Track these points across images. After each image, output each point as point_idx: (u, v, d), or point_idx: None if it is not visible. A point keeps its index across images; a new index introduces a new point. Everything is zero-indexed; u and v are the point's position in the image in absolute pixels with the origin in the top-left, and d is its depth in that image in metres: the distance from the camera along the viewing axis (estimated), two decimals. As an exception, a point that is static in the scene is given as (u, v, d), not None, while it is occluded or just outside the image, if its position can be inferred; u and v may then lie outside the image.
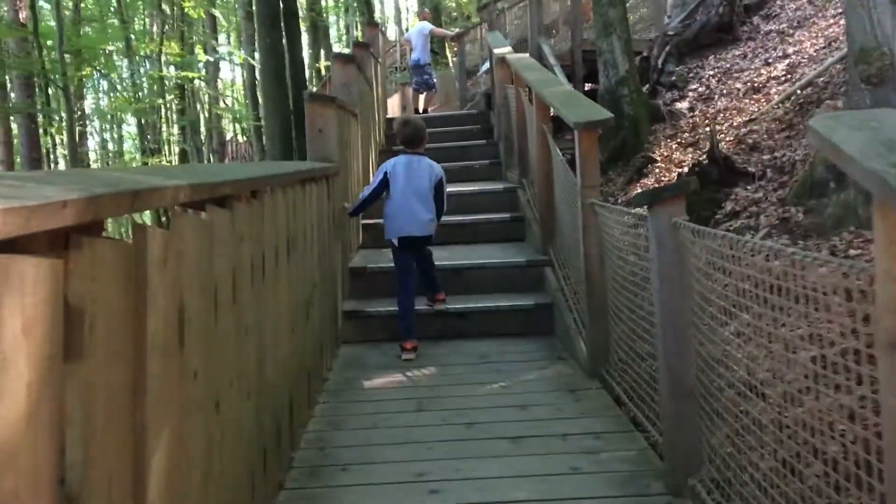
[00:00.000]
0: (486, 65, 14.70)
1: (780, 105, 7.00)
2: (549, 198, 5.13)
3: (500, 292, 4.97)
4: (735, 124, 7.16)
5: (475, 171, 8.09)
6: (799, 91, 7.02)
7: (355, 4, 30.96)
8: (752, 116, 7.10)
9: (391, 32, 40.78)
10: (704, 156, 6.73)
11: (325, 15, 38.03)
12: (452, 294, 4.92)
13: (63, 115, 16.88)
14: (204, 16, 22.04)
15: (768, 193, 5.39)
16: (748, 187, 5.60)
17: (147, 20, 23.31)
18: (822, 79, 7.03)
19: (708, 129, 7.40)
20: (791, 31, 8.84)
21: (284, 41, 10.08)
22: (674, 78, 9.45)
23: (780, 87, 7.50)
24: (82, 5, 28.51)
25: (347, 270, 4.99)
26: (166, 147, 21.53)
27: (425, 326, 4.64)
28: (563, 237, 4.69)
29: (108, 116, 33.77)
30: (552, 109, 4.74)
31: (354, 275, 5.07)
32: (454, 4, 33.89)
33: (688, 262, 2.44)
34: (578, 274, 4.05)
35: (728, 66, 9.00)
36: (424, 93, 11.66)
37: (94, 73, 28.94)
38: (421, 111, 11.64)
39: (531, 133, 5.93)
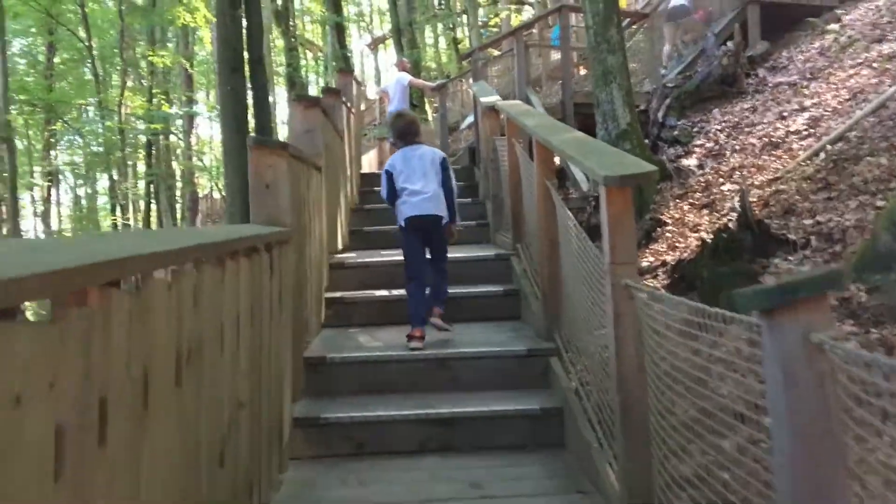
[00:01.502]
0: (470, 118, 13.89)
1: (809, 162, 6.14)
2: (554, 270, 4.15)
3: (495, 389, 3.94)
4: (757, 183, 6.28)
5: (460, 234, 7.13)
6: (829, 146, 6.18)
7: (335, 63, 30.42)
8: (777, 174, 6.23)
9: (371, 92, 40.49)
10: (726, 218, 5.83)
11: (303, 73, 37.62)
12: (436, 392, 3.90)
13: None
14: (171, 66, 21.23)
15: (816, 267, 4.46)
16: (789, 258, 4.67)
17: (115, 73, 22.43)
18: (853, 132, 6.20)
19: (724, 187, 6.52)
20: (805, 84, 8.07)
21: (250, 89, 9.18)
22: (676, 133, 8.62)
23: (804, 143, 6.66)
24: (56, 59, 27.78)
25: (301, 362, 3.95)
26: (131, 205, 20.45)
27: (401, 435, 3.60)
28: (576, 322, 3.69)
29: (84, 172, 32.80)
30: (564, 162, 3.80)
31: (311, 366, 4.02)
32: (434, 64, 33.51)
33: (836, 401, 1.45)
34: (603, 376, 3.05)
35: (737, 120, 8.19)
36: (403, 148, 10.77)
37: (67, 127, 28.07)
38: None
39: (529, 191, 4.99)
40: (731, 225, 5.12)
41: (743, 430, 1.89)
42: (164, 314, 1.66)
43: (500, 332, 4.63)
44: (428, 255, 4.72)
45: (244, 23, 9.25)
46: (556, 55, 15.94)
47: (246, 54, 9.19)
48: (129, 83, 23.11)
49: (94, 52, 22.47)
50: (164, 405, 1.65)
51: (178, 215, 26.26)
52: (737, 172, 6.75)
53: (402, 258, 4.73)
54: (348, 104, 7.97)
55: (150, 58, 17.28)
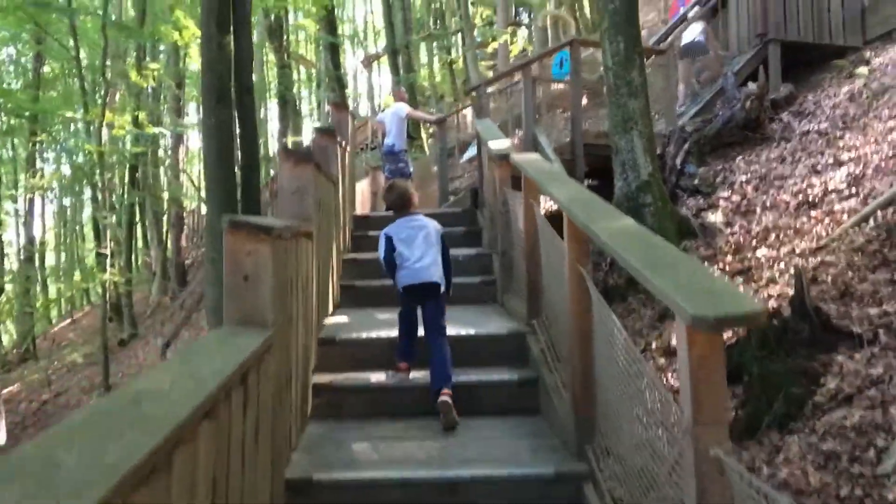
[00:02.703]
0: (471, 152, 13.28)
1: (857, 229, 5.51)
2: (587, 367, 3.47)
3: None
4: (798, 250, 5.63)
5: (461, 293, 6.45)
6: (880, 212, 5.55)
7: (327, 80, 29.88)
8: (821, 242, 5.59)
9: (363, 108, 39.80)
10: (766, 293, 5.18)
11: (296, 89, 37.05)
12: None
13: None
14: (159, 83, 20.54)
15: (892, 370, 3.80)
16: (856, 355, 4.01)
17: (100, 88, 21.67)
18: (906, 198, 5.57)
19: (759, 252, 5.87)
20: (839, 134, 7.46)
21: (237, 121, 8.50)
22: (697, 181, 7.99)
23: (846, 204, 6.03)
24: (45, 69, 27.02)
25: (282, 485, 3.23)
26: (113, 220, 19.66)
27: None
28: (620, 440, 3.02)
29: (69, 184, 32.01)
30: (623, 263, 3.16)
31: (295, 490, 3.31)
32: (427, 84, 32.98)
33: None
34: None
35: (764, 171, 7.57)
36: (399, 183, 10.10)
37: (51, 140, 27.31)
38: (394, 204, 10.08)
39: (549, 263, 4.33)
40: (781, 310, 4.45)
41: None
42: None
43: (517, 436, 3.93)
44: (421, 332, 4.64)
45: (232, 49, 8.56)
46: (555, 85, 15.40)
47: (234, 83, 8.51)
48: (117, 98, 22.39)
49: (84, 63, 21.77)
50: None
51: (164, 229, 25.51)
52: (772, 234, 6.10)
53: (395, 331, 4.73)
54: (343, 143, 7.30)
55: (133, 79, 16.53)
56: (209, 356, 2.19)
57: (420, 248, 4.59)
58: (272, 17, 26.18)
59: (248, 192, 8.03)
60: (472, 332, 4.93)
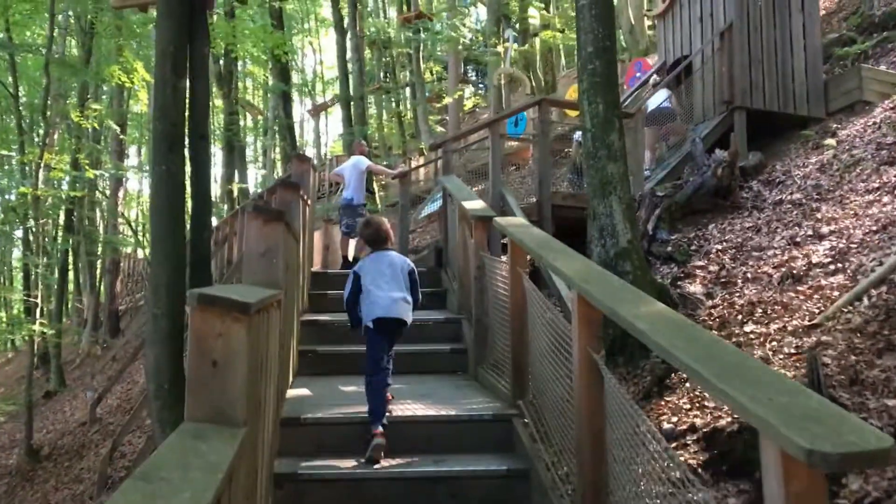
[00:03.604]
0: (431, 207, 12.94)
1: (851, 308, 5.26)
2: (598, 474, 3.05)
3: None
4: (790, 328, 5.36)
5: (430, 363, 6.02)
6: (874, 291, 5.32)
7: (276, 127, 29.43)
8: (813, 320, 5.32)
9: (309, 155, 39.36)
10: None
11: (242, 135, 36.48)
12: None
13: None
14: (102, 125, 19.79)
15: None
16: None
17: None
18: (898, 275, 5.36)
19: (747, 328, 5.58)
20: (814, 205, 7.32)
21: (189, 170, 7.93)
22: (670, 248, 7.75)
23: (833, 280, 5.80)
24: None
25: None
26: (44, 259, 18.63)
27: None
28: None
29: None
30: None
31: None
32: (377, 136, 32.81)
33: None
34: None
35: (739, 240, 7.37)
36: (356, 238, 9.65)
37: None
38: (350, 260, 9.63)
39: (544, 344, 3.92)
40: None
41: None
42: None
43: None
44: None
45: (188, 94, 8.02)
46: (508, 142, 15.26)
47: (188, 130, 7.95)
48: (56, 137, 21.51)
49: (22, 101, 20.90)
50: None
51: (99, 274, 24.41)
52: (758, 309, 5.83)
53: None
54: (305, 197, 6.85)
55: (75, 119, 15.81)
56: (174, 488, 1.70)
57: (389, 284, 4.60)
58: (222, 64, 25.76)
59: (198, 246, 7.46)
60: (451, 412, 4.47)
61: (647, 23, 23.47)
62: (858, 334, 4.86)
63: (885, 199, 6.71)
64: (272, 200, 7.09)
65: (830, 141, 8.75)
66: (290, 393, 5.04)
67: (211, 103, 31.51)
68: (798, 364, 4.82)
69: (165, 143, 7.45)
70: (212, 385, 2.44)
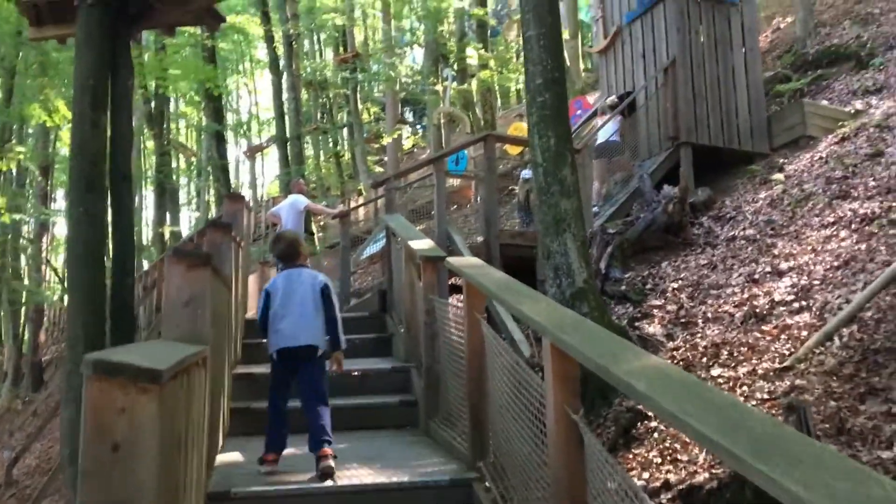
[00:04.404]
0: (373, 248, 12.47)
1: (823, 348, 4.99)
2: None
3: None
4: (760, 371, 5.06)
5: (376, 417, 5.52)
6: (845, 330, 5.07)
7: (209, 169, 28.70)
8: (784, 363, 5.03)
9: (244, 195, 38.51)
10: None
11: (174, 177, 35.54)
12: None
13: None
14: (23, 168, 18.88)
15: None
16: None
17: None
18: (869, 313, 5.13)
19: (714, 372, 5.26)
20: (769, 241, 7.13)
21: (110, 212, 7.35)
22: (624, 287, 7.46)
23: (800, 318, 5.56)
24: None
25: None
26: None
27: None
28: None
29: None
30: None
31: None
32: (314, 176, 32.27)
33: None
34: None
35: (695, 278, 7.12)
36: (294, 282, 9.12)
37: None
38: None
39: (508, 398, 3.49)
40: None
41: None
42: None
43: None
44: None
45: (109, 131, 7.47)
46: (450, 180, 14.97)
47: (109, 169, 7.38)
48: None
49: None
50: None
51: (21, 324, 23.10)
52: (723, 351, 5.53)
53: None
54: (238, 238, 6.33)
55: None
56: None
57: (297, 305, 4.37)
58: (153, 104, 25.04)
59: (119, 294, 6.85)
60: (403, 477, 3.98)
61: (583, 65, 23.72)
62: (835, 377, 4.58)
63: (843, 233, 6.55)
64: (203, 243, 6.56)
65: (778, 176, 8.65)
66: (221, 459, 4.48)
67: (142, 144, 30.75)
68: (774, 411, 4.50)
69: (83, 183, 6.86)
70: (112, 473, 1.94)
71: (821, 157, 8.60)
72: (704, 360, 5.53)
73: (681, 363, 5.61)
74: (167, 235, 25.47)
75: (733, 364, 5.30)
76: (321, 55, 36.31)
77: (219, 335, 4.27)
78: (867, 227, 6.42)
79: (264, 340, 5.32)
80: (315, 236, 19.85)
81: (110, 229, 7.37)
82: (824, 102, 10.20)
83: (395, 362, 6.45)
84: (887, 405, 4.03)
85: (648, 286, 7.33)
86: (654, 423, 5.00)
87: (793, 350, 5.14)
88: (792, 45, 13.43)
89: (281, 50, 22.34)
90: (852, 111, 9.61)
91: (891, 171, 7.31)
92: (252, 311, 9.96)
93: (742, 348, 5.45)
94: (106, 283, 7.15)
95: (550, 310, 3.00)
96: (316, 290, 4.46)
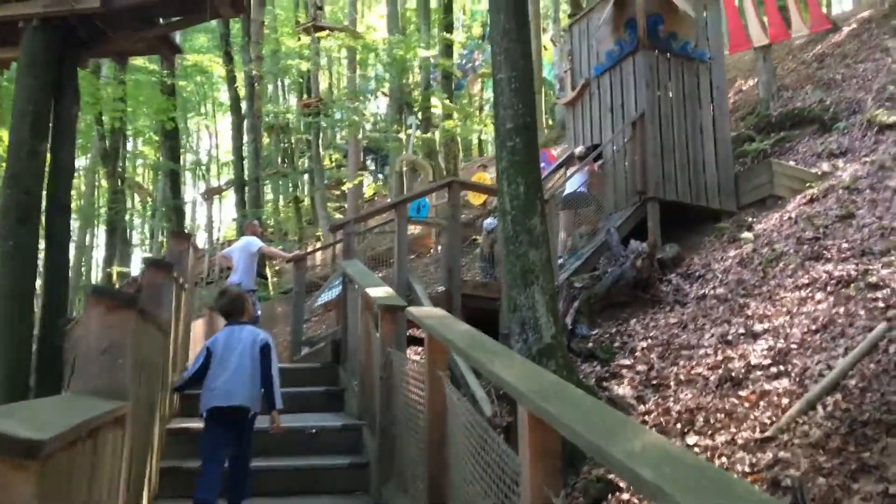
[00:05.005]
0: (328, 295, 11.98)
1: (806, 417, 4.67)
2: None
3: None
4: (739, 441, 4.71)
5: (324, 481, 5.04)
6: (828, 399, 4.76)
7: (164, 209, 28.03)
8: (765, 432, 4.69)
9: (200, 241, 37.68)
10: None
11: (128, 216, 34.75)
12: None
13: None
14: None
15: None
16: None
17: None
18: (853, 381, 4.84)
19: (690, 440, 4.90)
20: (741, 301, 6.86)
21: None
22: (591, 345, 7.11)
23: (778, 384, 5.24)
24: None
25: None
26: None
27: None
28: None
29: None
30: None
31: None
32: (272, 221, 31.73)
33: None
34: None
35: (665, 337, 6.80)
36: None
37: None
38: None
39: (472, 468, 3.07)
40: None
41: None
42: None
43: None
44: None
45: (49, 160, 7.03)
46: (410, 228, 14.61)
47: (46, 200, 6.96)
48: None
49: None
50: None
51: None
52: (698, 417, 5.17)
53: None
54: (181, 280, 5.85)
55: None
56: None
57: (235, 364, 4.34)
58: (107, 141, 24.45)
59: (49, 337, 6.30)
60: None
61: (546, 120, 23.82)
62: (821, 451, 4.25)
63: (819, 295, 6.30)
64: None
65: (747, 234, 8.46)
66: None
67: (96, 181, 29.96)
68: (758, 485, 4.14)
69: (16, 214, 6.38)
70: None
71: (790, 217, 8.44)
72: (679, 426, 5.17)
73: (654, 429, 5.23)
74: (115, 276, 24.71)
75: (710, 432, 4.95)
76: (285, 99, 36.11)
77: (147, 385, 3.79)
78: (844, 290, 6.19)
79: (197, 392, 4.88)
80: (269, 281, 19.28)
81: (42, 265, 6.87)
82: (792, 163, 10.12)
83: (346, 419, 5.99)
84: (883, 484, 3.69)
85: (617, 344, 7.00)
86: (626, 496, 4.60)
87: (773, 418, 4.81)
88: (755, 106, 13.49)
89: (243, 91, 22.02)
90: (819, 173, 9.53)
91: (863, 234, 7.14)
92: (193, 347, 9.37)
93: (719, 414, 5.11)
94: (34, 324, 6.62)
95: (528, 372, 2.61)
96: (255, 349, 4.44)
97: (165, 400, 5.15)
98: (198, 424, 5.49)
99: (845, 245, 7.04)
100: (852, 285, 6.19)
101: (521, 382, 2.47)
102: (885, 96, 11.00)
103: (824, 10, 19.01)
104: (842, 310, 5.87)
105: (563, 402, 2.21)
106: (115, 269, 25.24)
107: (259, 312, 9.16)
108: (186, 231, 23.13)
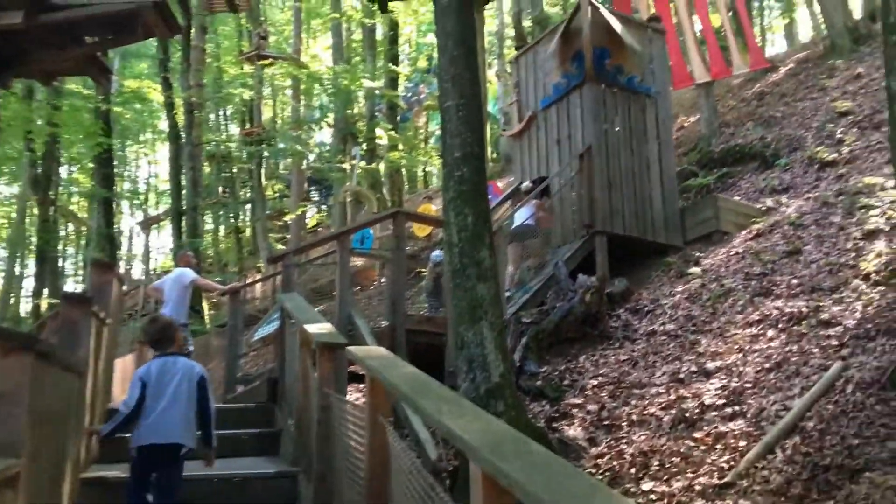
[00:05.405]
0: (267, 328, 11.50)
1: (766, 462, 4.48)
2: None
3: None
4: (697, 487, 4.48)
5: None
6: (787, 442, 4.58)
7: (97, 239, 27.08)
8: (724, 478, 4.48)
9: (136, 272, 36.57)
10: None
11: (60, 245, 33.56)
12: None
13: None
14: None
15: None
16: None
17: None
18: (811, 423, 4.68)
19: (645, 486, 4.66)
20: (692, 338, 6.71)
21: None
22: (540, 382, 6.86)
23: (734, 425, 5.06)
24: None
25: None
26: None
27: None
28: None
29: None
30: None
31: None
32: (212, 251, 30.94)
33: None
34: None
35: (615, 374, 6.60)
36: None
37: None
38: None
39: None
40: None
41: None
42: None
43: None
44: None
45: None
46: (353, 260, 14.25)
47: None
48: None
49: None
50: None
51: None
52: (653, 461, 4.94)
53: None
54: (102, 315, 5.41)
55: None
56: None
57: (169, 398, 4.14)
58: (39, 168, 23.59)
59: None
60: None
61: (490, 149, 23.79)
62: (783, 498, 4.06)
63: (770, 332, 6.19)
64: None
65: (695, 269, 8.37)
66: None
67: (27, 210, 28.85)
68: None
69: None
70: None
71: (737, 253, 8.38)
72: (633, 470, 4.93)
73: (607, 473, 4.99)
74: (44, 307, 23.72)
75: (666, 477, 4.72)
76: (226, 128, 35.47)
77: (54, 438, 3.38)
78: (796, 327, 6.08)
79: (127, 435, 4.48)
80: (204, 314, 18.66)
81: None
82: (736, 198, 10.14)
83: (281, 465, 5.59)
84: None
85: (566, 382, 6.77)
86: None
87: (731, 462, 4.61)
88: (697, 142, 13.60)
89: (181, 118, 21.48)
90: (764, 208, 9.55)
91: (811, 270, 7.10)
92: (117, 400, 8.81)
93: (674, 458, 4.89)
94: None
95: (482, 423, 2.33)
96: (192, 383, 4.26)
97: (80, 447, 4.69)
98: (115, 472, 5.05)
99: (794, 281, 6.97)
100: (804, 322, 6.10)
101: (475, 436, 2.19)
102: (824, 134, 11.16)
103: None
104: (795, 347, 5.76)
105: (523, 463, 1.93)
106: (45, 301, 24.26)
107: (192, 348, 8.70)
108: (115, 261, 22.36)
